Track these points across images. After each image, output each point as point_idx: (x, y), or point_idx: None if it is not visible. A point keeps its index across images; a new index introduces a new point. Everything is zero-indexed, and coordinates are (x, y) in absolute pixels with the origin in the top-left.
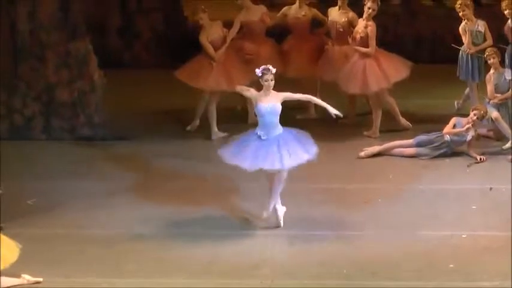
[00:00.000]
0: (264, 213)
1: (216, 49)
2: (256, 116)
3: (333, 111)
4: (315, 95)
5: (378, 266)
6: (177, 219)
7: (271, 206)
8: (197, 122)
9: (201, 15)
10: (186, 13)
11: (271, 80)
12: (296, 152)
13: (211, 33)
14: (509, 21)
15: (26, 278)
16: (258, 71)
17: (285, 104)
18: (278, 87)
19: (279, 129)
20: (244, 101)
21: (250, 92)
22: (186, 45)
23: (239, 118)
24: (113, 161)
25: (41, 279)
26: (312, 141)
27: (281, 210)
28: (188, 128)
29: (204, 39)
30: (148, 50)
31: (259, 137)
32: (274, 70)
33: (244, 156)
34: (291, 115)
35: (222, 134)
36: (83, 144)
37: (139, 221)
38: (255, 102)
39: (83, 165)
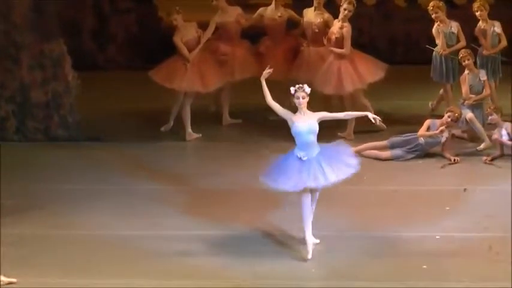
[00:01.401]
0: (307, 251)
1: (190, 50)
2: (293, 136)
3: (371, 115)
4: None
5: (351, 268)
6: (153, 220)
7: (308, 234)
8: (171, 123)
9: (175, 16)
10: (160, 14)
11: (303, 98)
12: (339, 167)
13: (186, 34)
14: (480, 22)
15: (0, 278)
16: (292, 89)
17: (258, 104)
18: (253, 89)
19: (318, 147)
20: (218, 102)
21: (285, 112)
22: (160, 47)
23: (213, 119)
24: (87, 162)
25: (15, 280)
26: (351, 152)
27: (312, 241)
28: (162, 129)
29: (178, 40)
30: (122, 52)
31: (300, 158)
32: (308, 90)
33: (287, 177)
34: (263, 115)
35: (196, 135)
36: (57, 146)
37: (115, 222)
38: (291, 123)
39: (57, 166)
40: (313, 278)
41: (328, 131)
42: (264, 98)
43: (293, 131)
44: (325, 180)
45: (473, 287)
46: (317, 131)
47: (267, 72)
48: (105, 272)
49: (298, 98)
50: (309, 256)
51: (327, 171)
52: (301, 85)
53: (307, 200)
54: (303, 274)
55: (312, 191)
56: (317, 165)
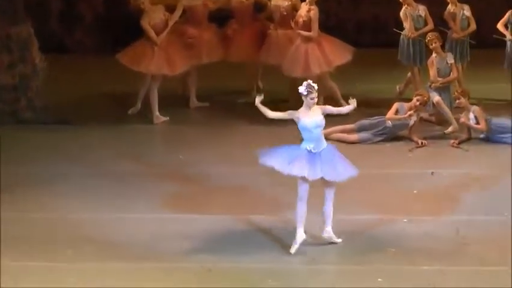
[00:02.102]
0: (325, 233)
1: (157, 33)
2: (300, 132)
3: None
4: (257, 79)
5: (319, 251)
6: (119, 203)
7: (329, 226)
8: (139, 106)
9: (143, 0)
10: None
11: (316, 98)
12: (346, 163)
13: (153, 17)
14: (450, 5)
15: None
16: (303, 89)
17: (226, 88)
18: (220, 72)
19: (324, 141)
20: (186, 85)
21: (290, 114)
22: (128, 30)
23: (181, 103)
24: (54, 145)
25: None
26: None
27: (331, 235)
28: (130, 112)
29: (145, 23)
30: (89, 35)
31: (310, 151)
32: (317, 87)
33: (302, 165)
34: (231, 99)
35: (163, 118)
36: (24, 128)
37: (83, 205)
38: (297, 119)
39: (24, 149)
40: (284, 261)
41: None
42: (266, 116)
43: (299, 126)
44: (339, 176)
45: (443, 269)
46: (324, 125)
47: (258, 100)
48: (74, 255)
49: (312, 98)
50: (293, 251)
51: (339, 167)
52: (310, 83)
53: (305, 194)
54: (274, 257)
55: (326, 185)
56: (329, 158)
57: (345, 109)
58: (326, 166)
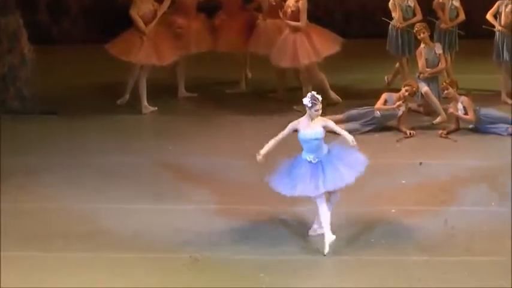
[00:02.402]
0: (312, 231)
1: (146, 23)
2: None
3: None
4: (245, 70)
5: (309, 242)
6: (107, 193)
7: (328, 232)
8: (127, 97)
9: None
10: None
11: (319, 111)
12: (351, 164)
13: (142, 7)
14: None
15: None
16: (307, 101)
17: (214, 78)
18: (209, 62)
19: (325, 147)
20: (174, 75)
21: (291, 128)
22: (116, 20)
23: (169, 93)
24: (42, 135)
25: None
26: (356, 146)
27: (330, 238)
28: (118, 102)
29: (134, 13)
30: (77, 25)
31: (310, 161)
32: (321, 98)
33: (305, 183)
34: (220, 89)
35: (152, 109)
36: (13, 118)
37: (70, 195)
38: (298, 131)
39: (12, 139)
40: (273, 252)
41: (284, 104)
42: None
43: (299, 137)
44: (343, 182)
45: (431, 260)
46: (323, 136)
47: (259, 157)
48: (63, 245)
49: (317, 110)
50: (326, 251)
51: (343, 172)
52: (315, 95)
53: (323, 201)
54: (264, 248)
55: (330, 192)
56: (330, 166)
57: (346, 134)
58: (329, 175)
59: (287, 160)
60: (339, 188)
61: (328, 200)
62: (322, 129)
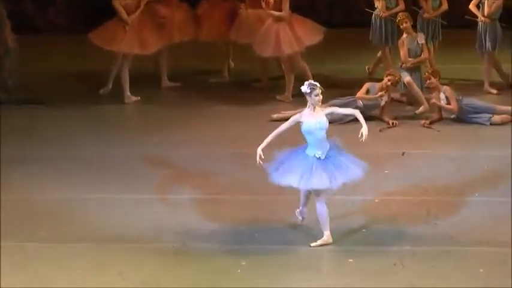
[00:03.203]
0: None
1: (129, 13)
2: (304, 135)
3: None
4: (228, 59)
5: (290, 232)
6: (90, 183)
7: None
8: (110, 86)
9: None
10: None
11: (320, 96)
12: (356, 160)
13: None
14: None
15: None
16: (305, 88)
17: (197, 67)
18: (192, 52)
19: (327, 142)
20: (157, 65)
21: (293, 120)
22: (100, 9)
23: (152, 82)
24: (26, 126)
25: None
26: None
27: (328, 241)
28: (101, 91)
29: (117, 3)
30: (61, 14)
31: (319, 158)
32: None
33: (320, 177)
34: (203, 78)
35: (134, 98)
36: None
37: (54, 186)
38: (300, 122)
39: None
40: (256, 242)
41: (267, 93)
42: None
43: (303, 129)
44: (355, 174)
45: (413, 250)
46: (327, 126)
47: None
48: (47, 236)
49: (317, 95)
50: (313, 244)
51: (350, 166)
52: (312, 82)
53: (323, 202)
54: (247, 238)
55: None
56: (338, 161)
57: (351, 111)
58: (340, 167)
59: (288, 154)
60: (356, 178)
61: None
62: (325, 118)
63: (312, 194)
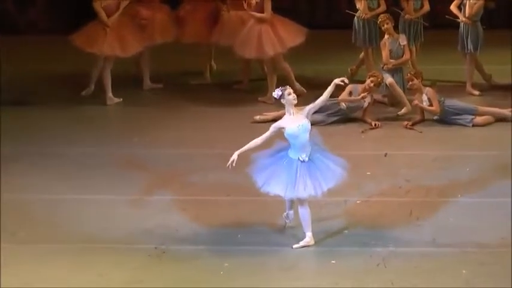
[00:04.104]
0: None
1: (110, 15)
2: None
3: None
4: (210, 61)
5: (274, 233)
6: (71, 184)
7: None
8: (92, 88)
9: None
10: None
11: (293, 94)
12: (336, 161)
13: None
14: None
15: None
16: (276, 93)
17: (179, 69)
18: (174, 54)
19: (309, 144)
20: (139, 66)
21: (274, 128)
22: (83, 10)
23: (134, 84)
24: (6, 126)
25: None
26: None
27: (310, 242)
28: (83, 93)
29: (97, 5)
30: (42, 15)
31: (303, 160)
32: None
33: (304, 185)
34: (185, 80)
35: (116, 100)
36: None
37: (33, 186)
38: (282, 129)
39: None
40: (239, 243)
41: (248, 95)
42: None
43: (287, 134)
44: (340, 177)
45: (396, 251)
46: (310, 129)
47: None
48: (26, 236)
49: (290, 94)
50: (295, 246)
51: (335, 169)
52: (283, 86)
53: (306, 204)
54: (230, 239)
55: None
56: (322, 164)
57: (322, 98)
58: (325, 173)
59: (272, 158)
60: (339, 181)
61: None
62: (306, 120)
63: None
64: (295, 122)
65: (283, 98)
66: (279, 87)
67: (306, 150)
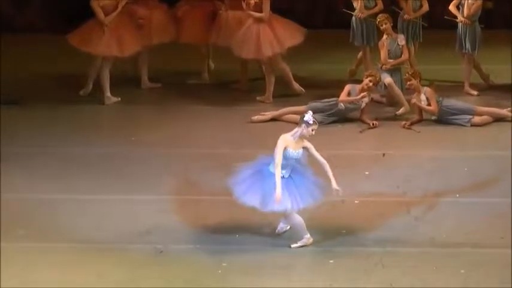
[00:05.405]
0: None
1: (107, 14)
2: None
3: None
4: (207, 60)
5: (272, 234)
6: (69, 183)
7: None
8: (90, 87)
9: None
10: None
11: (313, 133)
12: (318, 181)
13: None
14: None
15: None
16: (308, 118)
17: (178, 69)
18: (172, 53)
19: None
20: (137, 66)
21: (281, 145)
22: (80, 10)
23: (132, 83)
24: (3, 125)
25: None
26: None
27: (308, 241)
28: (81, 92)
29: (95, 4)
30: (40, 14)
31: (282, 176)
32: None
33: (282, 199)
34: (183, 80)
35: (114, 99)
36: None
37: (30, 186)
38: (285, 147)
39: None
40: (237, 242)
41: (247, 95)
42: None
43: (285, 154)
44: (317, 198)
45: (394, 251)
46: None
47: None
48: (21, 235)
49: (312, 130)
50: (294, 246)
51: (313, 189)
52: (315, 119)
53: (294, 214)
54: (227, 238)
55: None
56: (301, 182)
57: (322, 161)
58: (302, 191)
59: (252, 171)
60: (316, 203)
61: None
62: (301, 150)
63: None
64: (295, 147)
65: (305, 128)
66: (313, 117)
67: (288, 169)
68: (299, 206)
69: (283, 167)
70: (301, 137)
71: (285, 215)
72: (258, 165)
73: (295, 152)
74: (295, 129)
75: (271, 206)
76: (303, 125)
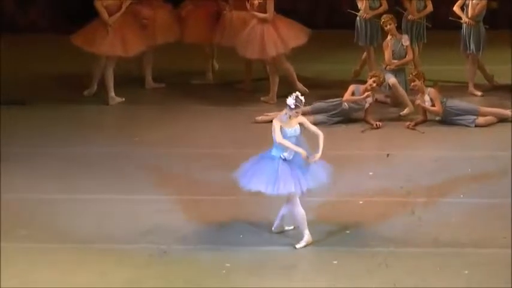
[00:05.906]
0: (276, 228)
1: (111, 14)
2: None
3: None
4: (212, 61)
5: (275, 234)
6: (69, 184)
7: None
8: (95, 87)
9: None
10: None
11: (300, 112)
12: (322, 162)
13: None
14: None
15: None
16: (291, 102)
17: (182, 69)
18: (176, 53)
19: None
20: (141, 66)
21: (276, 125)
22: (84, 10)
23: (137, 83)
24: (6, 125)
25: None
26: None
27: (309, 240)
28: (86, 93)
29: (99, 4)
30: (44, 14)
31: (284, 159)
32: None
33: (284, 182)
34: (187, 80)
35: (119, 99)
36: None
37: (30, 186)
38: (280, 128)
39: None
40: (239, 243)
41: (251, 95)
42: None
43: (282, 134)
44: (323, 179)
45: (397, 251)
46: (299, 133)
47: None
48: (23, 235)
49: (298, 112)
50: (299, 246)
51: (318, 170)
52: (299, 96)
53: (298, 204)
54: (230, 239)
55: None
56: (304, 165)
57: (318, 131)
58: (307, 173)
59: (256, 159)
60: (321, 184)
61: (292, 202)
62: (298, 126)
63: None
64: (290, 125)
65: (290, 110)
66: (297, 97)
67: (290, 151)
68: (302, 189)
69: (282, 149)
70: (291, 117)
71: (288, 199)
72: (260, 156)
73: (292, 129)
74: (283, 112)
75: (276, 190)
76: (288, 108)
